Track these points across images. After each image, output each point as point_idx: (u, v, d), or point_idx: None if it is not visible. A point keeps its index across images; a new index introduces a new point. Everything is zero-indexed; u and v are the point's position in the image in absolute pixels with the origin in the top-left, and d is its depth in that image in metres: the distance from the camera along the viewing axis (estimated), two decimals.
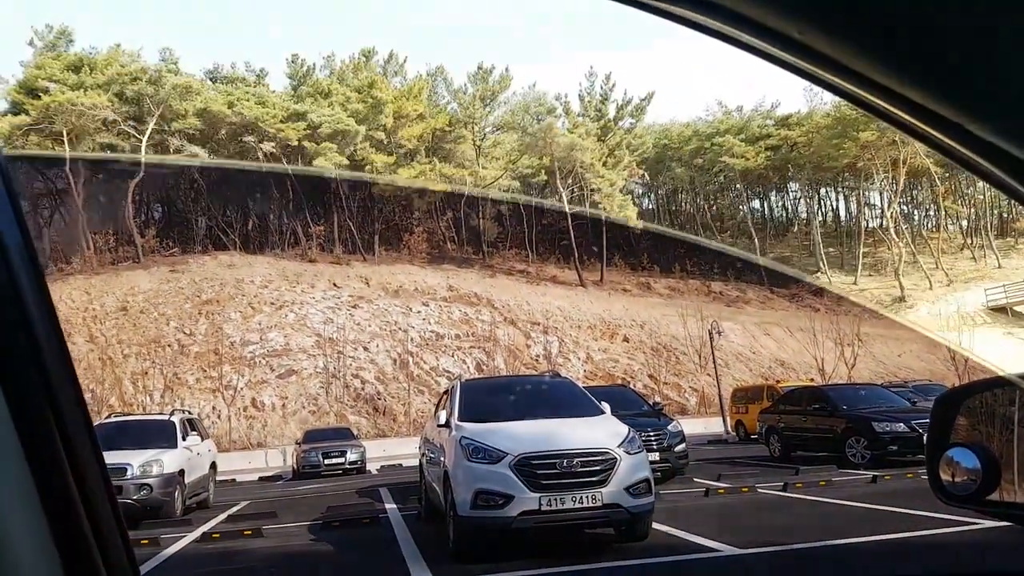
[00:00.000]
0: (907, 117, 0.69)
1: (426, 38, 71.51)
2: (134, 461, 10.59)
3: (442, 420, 7.77)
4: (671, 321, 34.05)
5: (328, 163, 39.95)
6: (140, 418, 14.87)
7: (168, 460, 11.06)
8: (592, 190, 44.05)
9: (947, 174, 46.23)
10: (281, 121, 40.68)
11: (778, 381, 23.89)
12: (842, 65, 0.66)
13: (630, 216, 44.90)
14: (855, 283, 47.12)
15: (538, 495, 6.40)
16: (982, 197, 49.03)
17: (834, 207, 58.39)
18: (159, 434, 11.83)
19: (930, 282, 44.54)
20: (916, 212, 56.02)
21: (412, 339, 30.88)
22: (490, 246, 45.64)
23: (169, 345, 28.49)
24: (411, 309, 33.02)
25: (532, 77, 75.23)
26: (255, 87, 43.93)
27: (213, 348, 28.51)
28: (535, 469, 6.49)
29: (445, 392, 9.28)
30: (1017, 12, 0.59)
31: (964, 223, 51.80)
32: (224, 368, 27.59)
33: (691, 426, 19.95)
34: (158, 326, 29.56)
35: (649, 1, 0.66)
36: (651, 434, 11.20)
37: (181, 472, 11.43)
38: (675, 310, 34.66)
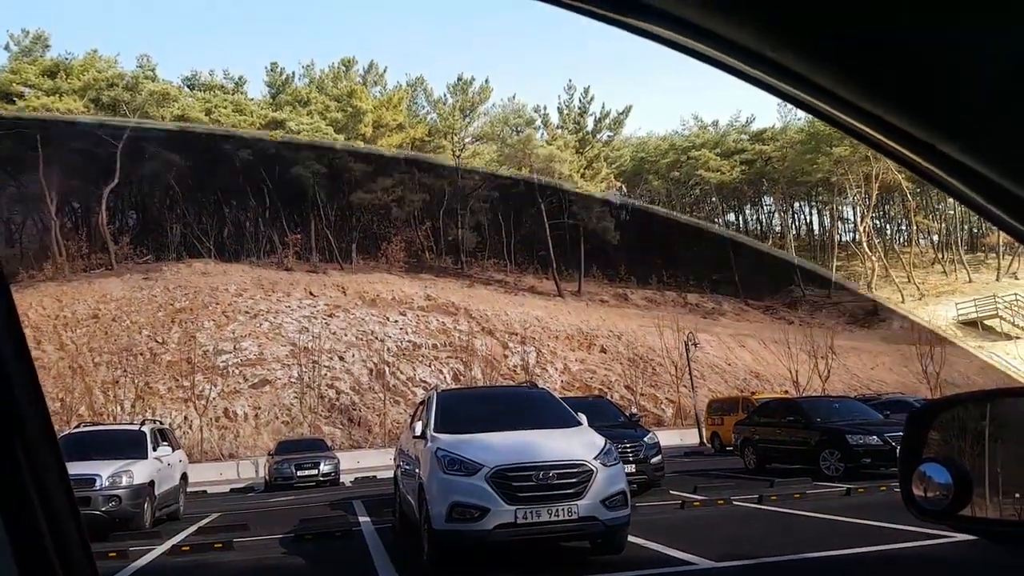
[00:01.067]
0: (879, 136, 0.70)
1: (406, 49, 71.59)
2: (103, 472, 10.39)
3: (418, 431, 7.72)
4: (648, 332, 34.22)
5: (306, 171, 39.75)
6: (110, 428, 14.63)
7: (138, 471, 10.87)
8: (570, 201, 44.27)
9: (918, 189, 47.17)
10: (259, 129, 40.40)
11: (753, 393, 24.08)
12: (814, 84, 0.67)
13: (607, 228, 45.22)
14: (828, 296, 47.78)
15: (514, 508, 6.36)
16: (952, 212, 50.08)
17: (808, 221, 59.31)
18: (129, 445, 11.63)
19: (902, 296, 45.31)
20: (888, 226, 57.03)
21: (389, 349, 30.66)
22: (468, 256, 45.61)
23: (141, 354, 27.99)
24: (388, 318, 32.81)
25: (511, 89, 75.48)
26: (233, 94, 43.61)
27: (186, 357, 28.05)
28: (511, 481, 6.45)
29: (421, 403, 9.23)
30: (985, 36, 0.61)
31: (935, 238, 52.83)
32: (197, 377, 27.15)
33: (667, 438, 20.02)
34: (130, 334, 29.03)
35: (622, 18, 0.66)
36: (627, 446, 11.21)
37: (151, 483, 11.23)
38: (652, 321, 34.83)
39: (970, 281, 46.06)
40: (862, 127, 0.69)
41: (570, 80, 49.41)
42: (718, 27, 0.64)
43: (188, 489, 14.24)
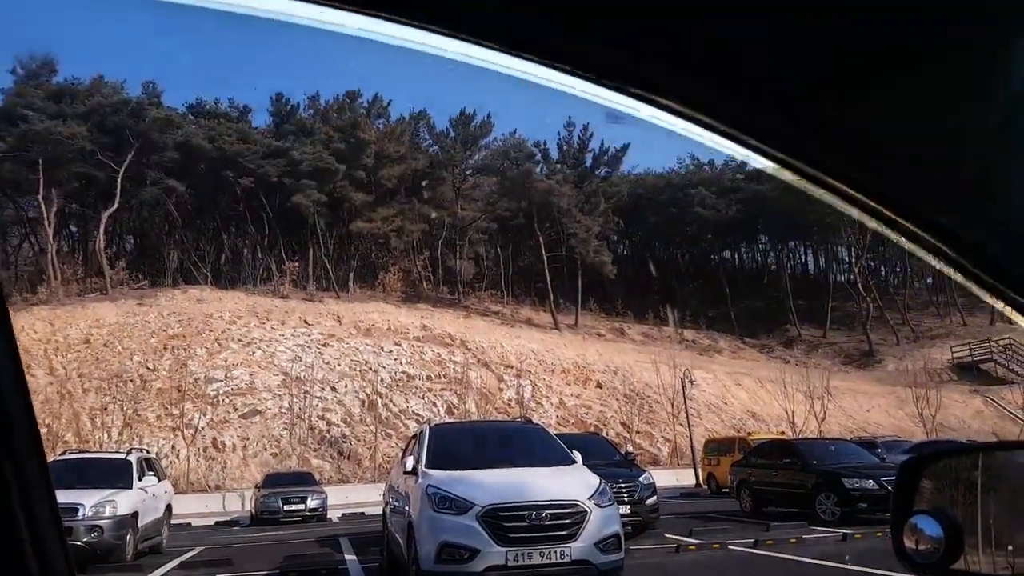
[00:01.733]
0: (867, 200, 0.71)
1: (411, 83, 72.50)
2: (86, 501, 10.20)
3: (409, 466, 7.61)
4: (644, 368, 34.05)
5: (306, 200, 39.98)
6: (96, 456, 14.40)
7: (122, 501, 10.67)
8: (568, 235, 44.53)
9: None
10: (262, 157, 40.74)
11: (749, 433, 23.87)
12: (805, 153, 0.69)
13: (605, 262, 45.42)
14: (824, 336, 47.77)
15: (505, 549, 6.23)
16: None
17: (803, 260, 59.62)
18: (114, 473, 11.45)
19: (897, 337, 45.30)
20: (883, 268, 57.29)
21: (382, 380, 30.39)
22: (466, 286, 45.63)
23: (131, 380, 27.69)
24: (383, 348, 32.60)
25: (512, 124, 76.35)
26: (237, 123, 44.05)
27: (176, 384, 27.76)
28: (503, 521, 6.34)
29: (413, 436, 9.12)
30: (963, 114, 0.63)
31: (930, 280, 53.02)
32: (186, 406, 26.82)
33: (663, 477, 19.77)
34: (121, 360, 28.77)
35: (613, 85, 0.67)
36: (622, 486, 11.02)
37: (135, 514, 11.01)
38: (648, 357, 34.68)
39: (964, 324, 46.11)
40: (852, 192, 0.70)
41: (569, 117, 50.09)
42: (709, 98, 0.66)
43: (172, 521, 13.99)
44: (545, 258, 43.69)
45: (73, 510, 9.93)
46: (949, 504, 1.33)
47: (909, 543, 1.20)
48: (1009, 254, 0.69)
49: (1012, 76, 0.60)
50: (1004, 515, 1.25)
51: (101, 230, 38.75)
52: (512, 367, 33.30)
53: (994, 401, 36.10)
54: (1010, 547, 1.22)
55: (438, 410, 29.23)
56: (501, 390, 32.01)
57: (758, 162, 0.71)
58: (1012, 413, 33.62)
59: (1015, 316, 0.74)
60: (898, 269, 56.36)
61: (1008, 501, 1.30)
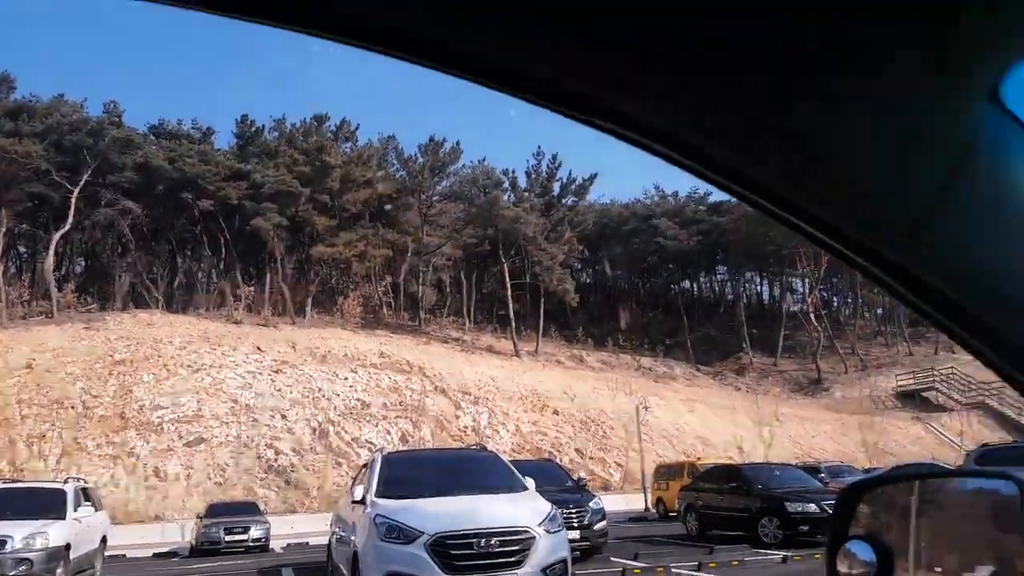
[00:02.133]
0: (823, 236, 0.76)
1: (380, 108, 72.60)
2: (16, 533, 9.92)
3: (358, 495, 7.45)
4: (600, 395, 34.15)
5: (266, 223, 39.36)
6: (30, 485, 13.88)
7: (54, 533, 10.37)
8: (533, 262, 44.70)
9: None
10: (223, 179, 40.08)
11: (699, 458, 24.09)
12: (769, 191, 0.74)
13: (568, 290, 45.71)
14: (775, 364, 48.72)
15: None
16: None
17: (759, 290, 60.96)
18: (48, 503, 11.11)
19: (845, 366, 46.45)
20: (835, 299, 58.89)
21: (335, 407, 29.75)
22: (427, 313, 45.33)
23: (73, 407, 26.58)
24: (337, 375, 31.98)
25: (482, 152, 76.80)
26: (200, 144, 43.34)
27: (120, 412, 26.73)
28: (450, 549, 6.26)
29: (364, 465, 8.95)
30: (908, 142, 0.66)
31: (879, 311, 54.65)
32: (129, 433, 25.81)
33: (613, 502, 19.76)
34: (63, 386, 27.62)
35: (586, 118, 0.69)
36: (573, 511, 11.08)
37: (67, 546, 10.66)
38: (605, 383, 34.82)
39: (910, 354, 47.54)
40: (811, 229, 0.76)
41: (539, 147, 50.72)
42: (681, 134, 0.69)
43: (107, 552, 13.47)
44: (509, 285, 43.70)
45: (1, 542, 9.60)
46: (884, 529, 1.37)
47: (843, 567, 1.22)
48: (944, 287, 0.74)
49: (961, 125, 0.66)
50: (934, 540, 1.29)
51: (50, 251, 37.52)
52: (470, 394, 33.05)
53: (933, 428, 37.16)
54: (938, 569, 1.27)
55: (392, 438, 28.68)
56: (458, 417, 31.69)
57: (719, 194, 0.74)
58: (949, 439, 34.66)
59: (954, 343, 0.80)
60: (849, 300, 57.98)
61: (938, 527, 1.35)
